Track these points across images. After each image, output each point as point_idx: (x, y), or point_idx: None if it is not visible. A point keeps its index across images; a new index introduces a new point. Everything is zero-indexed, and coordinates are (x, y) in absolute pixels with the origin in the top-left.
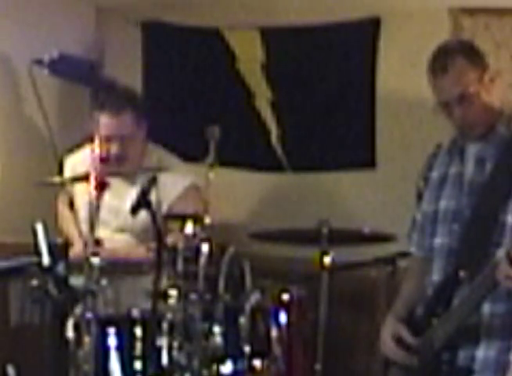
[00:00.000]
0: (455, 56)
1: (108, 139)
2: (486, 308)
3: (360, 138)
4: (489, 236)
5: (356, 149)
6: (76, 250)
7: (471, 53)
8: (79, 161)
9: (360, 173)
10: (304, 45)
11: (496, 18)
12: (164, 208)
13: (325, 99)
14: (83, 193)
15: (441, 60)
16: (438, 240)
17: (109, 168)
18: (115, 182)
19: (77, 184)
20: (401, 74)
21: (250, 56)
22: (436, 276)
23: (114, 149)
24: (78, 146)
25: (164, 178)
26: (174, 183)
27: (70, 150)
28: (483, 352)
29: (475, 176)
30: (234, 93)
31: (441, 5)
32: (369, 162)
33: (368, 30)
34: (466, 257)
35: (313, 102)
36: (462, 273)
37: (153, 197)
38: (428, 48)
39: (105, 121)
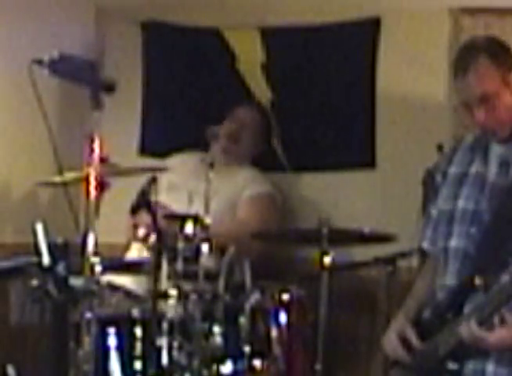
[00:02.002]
0: (478, 56)
1: (242, 125)
2: (497, 319)
3: (360, 138)
4: (508, 244)
5: (356, 149)
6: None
7: (496, 52)
8: (175, 165)
9: (360, 173)
10: (304, 45)
11: (496, 18)
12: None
13: (325, 99)
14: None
15: (464, 60)
16: (453, 242)
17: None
18: (199, 167)
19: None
20: (401, 74)
21: (250, 56)
22: (450, 280)
23: (240, 134)
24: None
25: (244, 180)
26: (254, 186)
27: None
28: (493, 367)
29: (498, 179)
30: (234, 93)
31: (441, 5)
32: (369, 162)
33: (368, 30)
34: (483, 264)
35: (313, 102)
36: (478, 281)
37: (153, 196)
38: (428, 48)
39: (242, 110)
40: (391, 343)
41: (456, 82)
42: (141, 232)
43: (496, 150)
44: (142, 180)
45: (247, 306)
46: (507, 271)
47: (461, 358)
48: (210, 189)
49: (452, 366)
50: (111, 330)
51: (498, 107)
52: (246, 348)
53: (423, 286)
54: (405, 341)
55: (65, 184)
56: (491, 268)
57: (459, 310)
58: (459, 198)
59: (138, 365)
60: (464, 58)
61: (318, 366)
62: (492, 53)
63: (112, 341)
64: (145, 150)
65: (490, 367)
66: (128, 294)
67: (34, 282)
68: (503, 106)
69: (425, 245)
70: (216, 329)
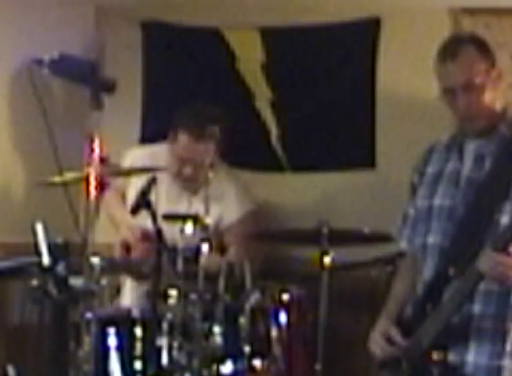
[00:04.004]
0: (466, 45)
1: (185, 161)
2: (476, 309)
3: (360, 138)
4: (482, 235)
5: (356, 149)
6: (122, 234)
7: (482, 45)
8: (141, 155)
9: (360, 173)
10: (304, 45)
11: (496, 18)
12: (224, 225)
13: (325, 99)
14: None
15: (452, 47)
16: (431, 239)
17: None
18: (175, 191)
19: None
20: (401, 74)
21: (250, 56)
22: (428, 275)
23: (188, 170)
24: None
25: (228, 198)
26: (238, 206)
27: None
28: (473, 357)
29: (473, 173)
30: (234, 93)
31: (441, 5)
32: (369, 162)
33: (368, 30)
34: (457, 254)
35: (313, 102)
36: (451, 271)
37: (152, 197)
38: (428, 48)
39: (187, 143)
40: (376, 343)
41: (442, 67)
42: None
43: (471, 146)
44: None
45: (247, 306)
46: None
47: (444, 347)
48: (210, 189)
49: (436, 356)
50: (111, 330)
51: (480, 96)
52: (246, 348)
53: (401, 286)
54: (389, 341)
55: (65, 184)
56: (465, 259)
57: (437, 302)
58: (436, 196)
59: (138, 365)
60: (452, 46)
61: (318, 366)
62: (478, 46)
63: (112, 341)
64: None
65: (470, 358)
66: None
67: (34, 282)
68: (485, 96)
69: (403, 244)
70: (216, 329)
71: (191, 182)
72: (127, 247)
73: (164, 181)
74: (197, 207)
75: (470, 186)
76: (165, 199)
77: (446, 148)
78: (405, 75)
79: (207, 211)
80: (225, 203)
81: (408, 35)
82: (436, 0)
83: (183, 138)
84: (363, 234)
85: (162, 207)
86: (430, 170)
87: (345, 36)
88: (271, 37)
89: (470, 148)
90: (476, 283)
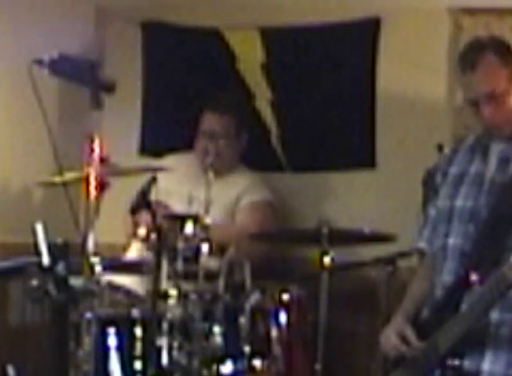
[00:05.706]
0: (485, 53)
1: (211, 135)
2: (494, 316)
3: (360, 138)
4: (504, 239)
5: (356, 149)
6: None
7: (502, 50)
8: (176, 163)
9: (360, 173)
10: (304, 45)
11: (496, 18)
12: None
13: (325, 99)
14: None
15: (471, 56)
16: (451, 240)
17: (205, 162)
18: (195, 174)
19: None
20: (401, 74)
21: (250, 56)
22: (447, 278)
23: (214, 145)
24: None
25: (248, 186)
26: (256, 193)
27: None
28: (489, 366)
29: (497, 176)
30: (234, 93)
31: (441, 5)
32: (369, 162)
33: (368, 30)
34: (479, 259)
35: (313, 102)
36: (473, 276)
37: (153, 196)
38: (428, 47)
39: (210, 118)
40: (389, 342)
41: (463, 78)
42: (141, 231)
43: (497, 148)
44: (142, 180)
45: (247, 306)
46: (502, 266)
47: (461, 354)
48: (210, 189)
49: (453, 362)
50: (111, 330)
51: (504, 104)
52: (246, 348)
53: (419, 286)
54: (404, 340)
55: (65, 184)
56: (486, 264)
57: (457, 307)
58: (458, 197)
59: (138, 365)
60: (471, 55)
61: (318, 366)
62: (499, 51)
63: (112, 341)
64: (145, 150)
65: (486, 366)
66: (128, 294)
67: (34, 282)
68: (509, 103)
69: (422, 245)
70: (216, 329)
71: (217, 158)
72: (135, 222)
73: (184, 163)
74: (216, 190)
75: (494, 188)
76: (185, 180)
77: (470, 149)
78: (405, 75)
79: (207, 210)
80: (244, 189)
81: (408, 35)
82: (436, 0)
83: (207, 114)
84: (363, 234)
85: (181, 188)
86: (454, 170)
87: (345, 36)
88: (271, 37)
89: (495, 150)
90: (503, 292)
